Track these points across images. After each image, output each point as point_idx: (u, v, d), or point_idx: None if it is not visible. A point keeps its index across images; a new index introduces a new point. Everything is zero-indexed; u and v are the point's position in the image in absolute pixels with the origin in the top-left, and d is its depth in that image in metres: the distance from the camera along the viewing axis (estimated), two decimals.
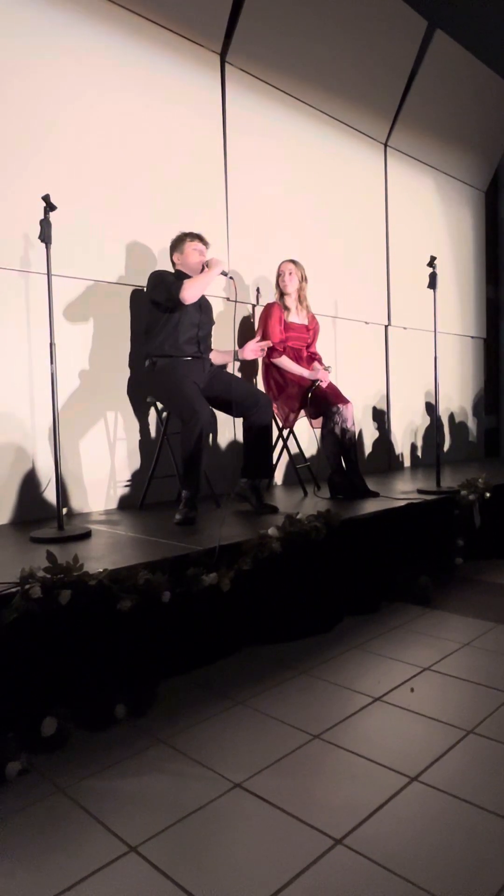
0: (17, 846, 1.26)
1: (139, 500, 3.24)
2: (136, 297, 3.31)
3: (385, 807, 1.35)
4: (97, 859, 1.21)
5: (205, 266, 3.02)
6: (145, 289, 3.11)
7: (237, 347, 3.36)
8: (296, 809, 1.35)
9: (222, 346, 3.36)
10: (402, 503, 3.04)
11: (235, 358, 3.32)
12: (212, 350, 3.25)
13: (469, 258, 5.89)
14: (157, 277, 3.00)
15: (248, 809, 1.36)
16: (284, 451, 3.70)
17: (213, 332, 3.26)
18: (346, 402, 3.44)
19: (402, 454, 5.15)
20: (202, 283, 2.96)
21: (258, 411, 3.05)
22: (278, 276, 3.61)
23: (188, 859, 1.21)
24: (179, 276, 3.03)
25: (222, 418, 3.31)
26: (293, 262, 3.61)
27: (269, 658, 2.18)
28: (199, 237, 3.13)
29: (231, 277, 3.10)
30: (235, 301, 3.52)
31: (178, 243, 3.14)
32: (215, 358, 3.26)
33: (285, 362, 3.53)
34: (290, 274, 3.58)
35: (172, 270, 3.13)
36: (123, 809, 1.37)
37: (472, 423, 6.02)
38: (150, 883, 1.15)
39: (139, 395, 3.32)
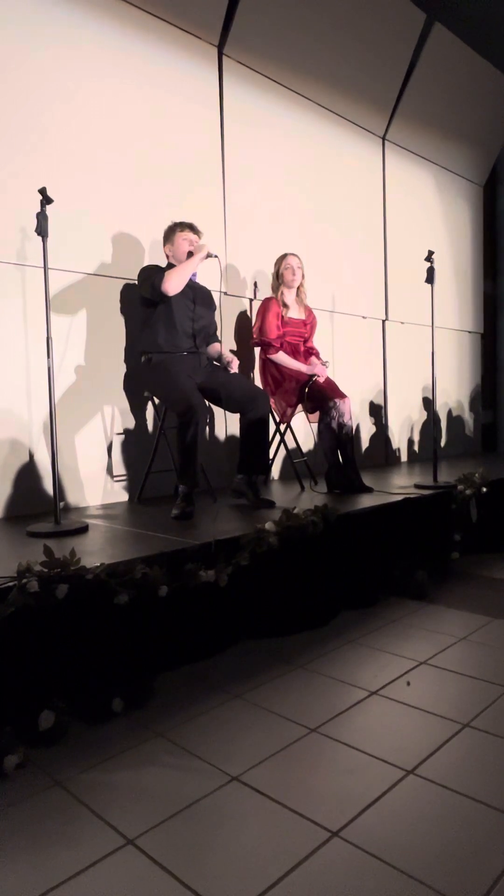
0: (14, 839, 1.26)
1: (136, 494, 3.24)
2: (130, 290, 3.29)
3: (381, 799, 1.36)
4: (95, 852, 1.21)
5: (190, 255, 2.95)
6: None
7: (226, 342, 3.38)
8: (292, 802, 1.36)
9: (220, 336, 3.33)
10: (399, 498, 3.05)
11: (218, 360, 3.21)
12: (217, 341, 3.23)
13: (466, 253, 5.88)
14: (144, 272, 2.95)
15: (246, 802, 1.36)
16: (281, 445, 3.70)
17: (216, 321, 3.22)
18: (343, 396, 3.44)
19: (399, 449, 5.15)
20: (183, 272, 2.89)
21: (255, 407, 3.03)
22: (284, 268, 3.54)
23: (185, 852, 1.21)
24: (170, 269, 2.95)
25: (220, 414, 3.31)
26: (296, 255, 3.59)
27: (266, 652, 2.19)
28: (190, 227, 3.03)
29: (216, 256, 2.99)
30: (221, 292, 3.49)
31: (169, 234, 3.05)
32: (214, 350, 3.23)
33: (282, 358, 3.52)
34: (297, 268, 3.55)
35: (165, 263, 3.08)
36: (121, 802, 1.37)
37: (468, 418, 6.03)
38: (148, 875, 1.15)
39: (137, 389, 3.31)
